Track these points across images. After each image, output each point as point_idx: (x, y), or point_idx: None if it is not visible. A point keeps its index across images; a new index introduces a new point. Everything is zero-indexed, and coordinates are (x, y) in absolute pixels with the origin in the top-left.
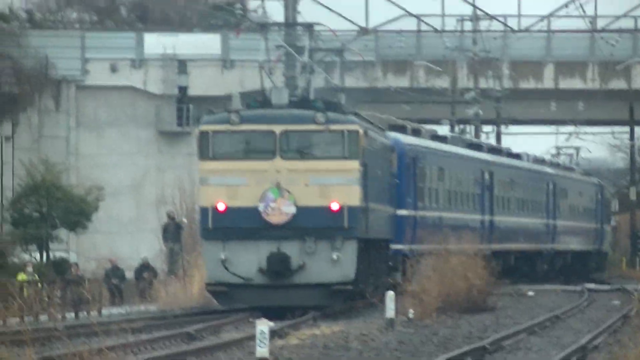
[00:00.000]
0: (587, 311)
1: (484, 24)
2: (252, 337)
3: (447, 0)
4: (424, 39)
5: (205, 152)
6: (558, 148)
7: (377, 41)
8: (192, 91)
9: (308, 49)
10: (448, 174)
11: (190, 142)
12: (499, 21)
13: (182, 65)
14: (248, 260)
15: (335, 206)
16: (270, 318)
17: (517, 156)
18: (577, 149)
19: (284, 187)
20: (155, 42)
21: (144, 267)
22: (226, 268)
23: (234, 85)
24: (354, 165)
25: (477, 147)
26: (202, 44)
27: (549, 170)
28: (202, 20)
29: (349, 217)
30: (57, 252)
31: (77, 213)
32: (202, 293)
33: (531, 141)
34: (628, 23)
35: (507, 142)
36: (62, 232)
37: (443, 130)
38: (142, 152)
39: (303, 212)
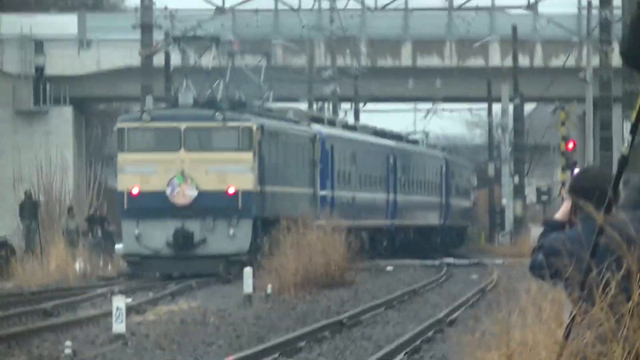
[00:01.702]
0: (445, 285)
1: (341, 3)
2: (109, 314)
3: None
4: (281, 18)
5: (121, 145)
6: (407, 134)
7: (234, 20)
8: (49, 71)
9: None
10: (359, 159)
11: (47, 121)
12: None
13: (38, 45)
14: (157, 235)
15: (231, 190)
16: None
17: (415, 142)
18: (427, 133)
19: (187, 174)
20: (12, 23)
21: (1, 245)
22: (139, 242)
23: (90, 64)
24: (248, 156)
25: (382, 134)
26: (59, 24)
27: (441, 154)
28: (59, 1)
29: (243, 199)
30: None
31: None
32: (59, 270)
33: (390, 119)
34: (485, 1)
35: (365, 120)
36: None
37: (302, 107)
38: None
39: (204, 195)
